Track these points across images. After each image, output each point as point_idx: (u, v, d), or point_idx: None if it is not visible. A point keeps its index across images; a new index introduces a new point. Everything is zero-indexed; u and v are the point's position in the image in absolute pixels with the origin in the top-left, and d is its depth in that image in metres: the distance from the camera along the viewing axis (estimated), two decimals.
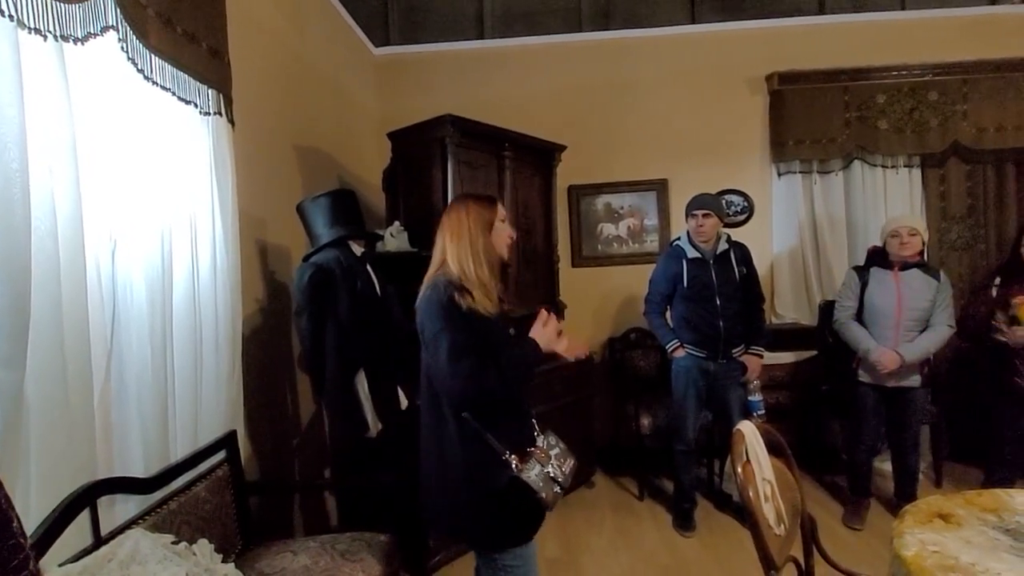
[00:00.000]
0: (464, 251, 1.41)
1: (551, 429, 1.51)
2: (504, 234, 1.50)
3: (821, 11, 3.60)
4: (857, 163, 3.45)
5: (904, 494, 2.59)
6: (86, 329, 1.20)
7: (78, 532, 1.18)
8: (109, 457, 1.36)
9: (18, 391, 1.04)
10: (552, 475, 1.37)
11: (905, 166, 3.45)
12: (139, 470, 1.41)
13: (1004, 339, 2.53)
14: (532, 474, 1.33)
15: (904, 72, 3.37)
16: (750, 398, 2.58)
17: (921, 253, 2.53)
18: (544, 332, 1.45)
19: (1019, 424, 2.54)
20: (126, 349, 1.39)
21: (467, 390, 1.31)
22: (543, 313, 1.48)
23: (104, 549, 1.15)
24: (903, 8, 3.56)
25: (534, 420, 1.51)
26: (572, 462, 1.45)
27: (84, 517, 1.18)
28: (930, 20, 3.47)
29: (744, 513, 1.30)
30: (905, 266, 2.50)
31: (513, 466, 1.34)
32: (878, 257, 2.62)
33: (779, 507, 1.36)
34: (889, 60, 3.38)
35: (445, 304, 1.33)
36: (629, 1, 3.69)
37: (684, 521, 2.69)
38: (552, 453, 1.41)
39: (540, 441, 1.45)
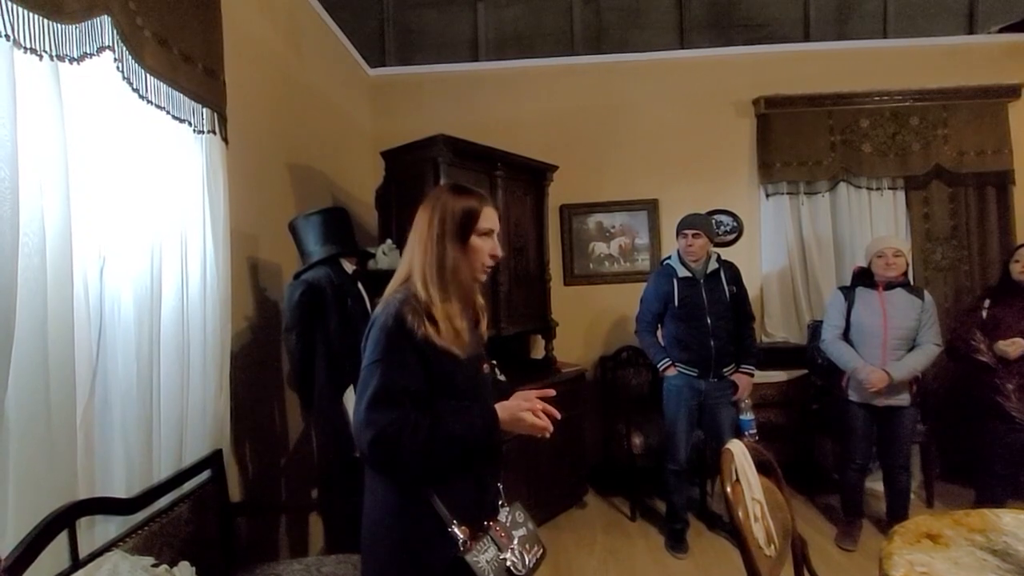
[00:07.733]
0: (429, 268, 1.11)
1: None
2: (485, 251, 1.16)
3: (806, 38, 3.72)
4: (843, 185, 3.52)
5: (896, 514, 2.58)
6: (71, 346, 1.19)
7: (55, 555, 1.15)
8: (91, 477, 1.33)
9: None
10: (510, 565, 1.04)
11: (890, 188, 3.53)
12: (121, 490, 1.38)
13: (983, 359, 2.55)
14: (483, 559, 1.01)
15: (886, 98, 3.48)
16: (741, 417, 2.59)
17: (905, 273, 2.57)
18: (517, 408, 1.08)
19: (1008, 443, 2.55)
20: (111, 367, 1.38)
21: (373, 449, 0.99)
22: (536, 398, 1.12)
23: (80, 573, 1.12)
24: (885, 36, 3.69)
25: (500, 485, 1.18)
26: (540, 551, 1.13)
27: (62, 539, 1.15)
28: (911, 48, 3.59)
29: (736, 533, 1.30)
30: (889, 286, 2.54)
31: (460, 543, 1.01)
32: (863, 277, 2.65)
33: (769, 527, 1.36)
34: (872, 86, 3.48)
35: (391, 330, 1.05)
36: (620, 26, 3.79)
37: (676, 542, 2.66)
38: (516, 535, 1.10)
39: (503, 515, 1.13)
